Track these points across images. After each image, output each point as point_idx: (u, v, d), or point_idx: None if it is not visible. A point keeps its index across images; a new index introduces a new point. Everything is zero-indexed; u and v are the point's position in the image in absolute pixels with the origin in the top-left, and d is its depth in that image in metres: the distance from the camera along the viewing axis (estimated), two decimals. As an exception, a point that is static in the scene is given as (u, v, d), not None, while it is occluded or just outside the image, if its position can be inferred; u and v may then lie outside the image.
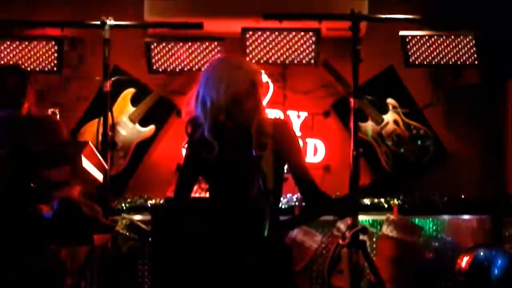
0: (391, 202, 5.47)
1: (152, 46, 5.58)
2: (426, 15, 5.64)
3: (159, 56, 5.60)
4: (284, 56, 5.53)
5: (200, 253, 2.98)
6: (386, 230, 5.17)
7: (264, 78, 5.92)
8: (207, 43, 5.52)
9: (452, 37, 5.54)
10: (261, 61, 5.54)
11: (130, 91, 5.92)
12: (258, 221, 2.80)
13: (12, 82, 4.19)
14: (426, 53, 5.54)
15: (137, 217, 5.27)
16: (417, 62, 5.51)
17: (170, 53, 5.57)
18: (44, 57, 5.62)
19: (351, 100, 4.81)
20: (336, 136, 5.99)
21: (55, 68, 5.63)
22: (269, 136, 3.06)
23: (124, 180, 5.84)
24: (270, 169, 2.98)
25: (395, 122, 5.87)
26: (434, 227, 5.46)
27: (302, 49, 5.52)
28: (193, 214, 3.12)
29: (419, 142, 5.86)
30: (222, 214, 3.06)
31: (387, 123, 5.87)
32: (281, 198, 5.11)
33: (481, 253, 4.98)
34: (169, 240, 3.06)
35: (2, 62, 5.57)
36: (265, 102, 5.91)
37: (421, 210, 5.50)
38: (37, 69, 5.61)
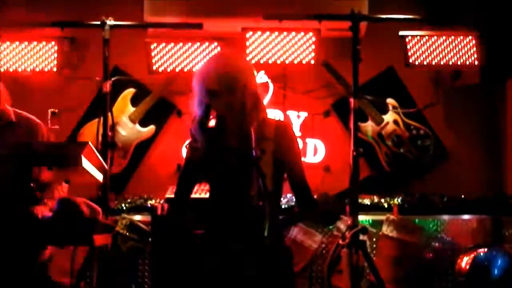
0: (391, 202, 5.47)
1: (152, 46, 5.59)
2: (426, 15, 5.64)
3: (159, 56, 5.60)
4: (284, 56, 5.52)
5: (200, 253, 2.99)
6: (386, 230, 5.18)
7: (264, 78, 5.93)
8: (207, 43, 5.52)
9: (452, 37, 5.54)
10: (261, 61, 5.54)
11: (130, 91, 5.92)
12: (258, 221, 2.80)
13: None
14: (426, 53, 5.53)
15: (137, 217, 5.27)
16: (417, 62, 5.51)
17: (170, 53, 5.58)
18: (44, 57, 5.63)
19: (351, 100, 4.81)
20: (336, 136, 5.99)
21: (55, 69, 5.64)
22: (270, 137, 3.06)
23: (124, 180, 5.84)
24: (270, 171, 2.98)
25: (395, 122, 5.87)
26: (434, 227, 5.46)
27: (302, 49, 5.52)
28: (193, 215, 3.12)
29: (419, 142, 5.86)
30: (222, 215, 3.06)
31: (387, 123, 5.87)
32: (281, 198, 5.16)
33: (481, 253, 4.98)
34: (169, 240, 3.06)
35: (3, 62, 5.58)
36: (265, 102, 5.93)
37: (421, 210, 5.50)
38: (37, 69, 5.62)
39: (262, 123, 3.09)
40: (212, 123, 3.11)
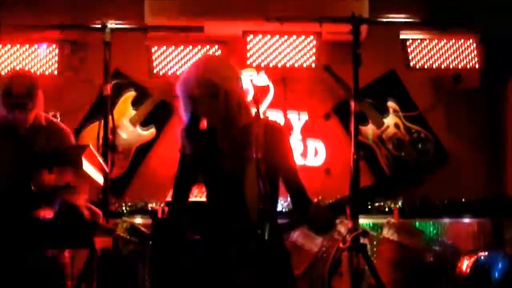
0: (392, 205, 5.47)
1: (153, 49, 5.60)
2: (426, 18, 5.64)
3: (159, 59, 5.61)
4: (285, 59, 5.53)
5: (200, 256, 2.98)
6: (387, 233, 5.17)
7: (265, 80, 5.92)
8: (208, 46, 5.53)
9: (453, 40, 5.55)
10: (262, 64, 5.55)
11: (130, 94, 5.92)
12: (258, 224, 2.80)
13: (19, 86, 4.10)
14: (427, 56, 5.54)
15: (138, 220, 5.27)
16: (418, 65, 5.52)
17: (171, 56, 5.58)
18: (45, 60, 5.64)
19: (352, 103, 4.81)
20: (336, 139, 5.98)
21: (56, 71, 5.65)
22: (260, 141, 3.02)
23: (125, 183, 5.84)
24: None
25: (396, 125, 5.87)
26: (434, 230, 5.46)
27: (303, 52, 5.53)
28: (192, 217, 3.12)
29: (419, 146, 5.85)
30: (220, 218, 3.06)
31: (388, 127, 5.86)
32: (282, 202, 5.17)
33: (482, 256, 4.97)
34: (169, 243, 3.06)
35: (4, 65, 5.59)
36: (265, 104, 5.93)
37: (422, 213, 5.50)
38: (38, 72, 5.63)
39: (251, 126, 3.04)
40: (205, 124, 3.10)
